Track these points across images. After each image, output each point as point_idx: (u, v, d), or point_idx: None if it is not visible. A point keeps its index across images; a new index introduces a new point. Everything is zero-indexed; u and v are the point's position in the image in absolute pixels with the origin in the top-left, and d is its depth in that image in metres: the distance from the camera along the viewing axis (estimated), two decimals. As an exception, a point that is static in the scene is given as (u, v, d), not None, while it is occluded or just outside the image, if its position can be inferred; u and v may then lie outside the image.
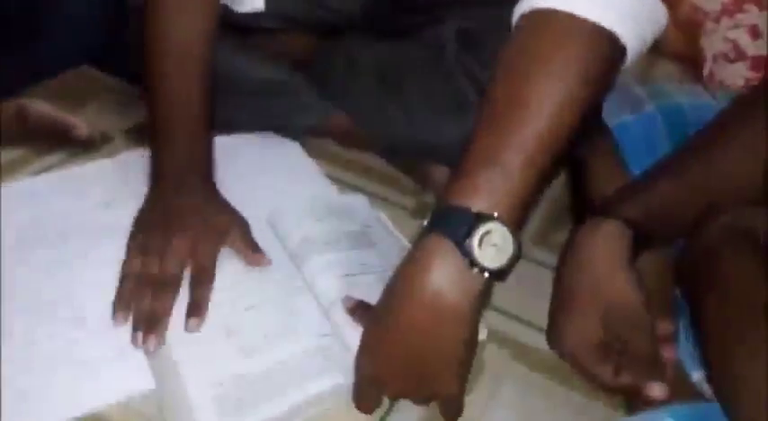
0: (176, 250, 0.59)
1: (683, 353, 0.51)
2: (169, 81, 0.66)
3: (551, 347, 0.52)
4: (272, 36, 0.86)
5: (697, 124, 0.61)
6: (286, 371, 0.52)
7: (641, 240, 0.52)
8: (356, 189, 0.79)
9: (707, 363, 0.46)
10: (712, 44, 1.12)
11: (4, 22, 0.70)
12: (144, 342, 0.54)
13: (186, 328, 0.55)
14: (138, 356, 0.54)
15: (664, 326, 0.52)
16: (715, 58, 1.11)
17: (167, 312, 0.56)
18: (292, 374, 0.52)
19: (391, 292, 0.47)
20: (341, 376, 0.52)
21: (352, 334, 0.55)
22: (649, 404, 0.47)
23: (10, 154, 0.77)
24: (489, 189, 0.44)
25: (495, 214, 0.44)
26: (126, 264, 0.60)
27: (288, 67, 0.83)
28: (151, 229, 0.62)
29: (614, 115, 0.67)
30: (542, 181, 0.47)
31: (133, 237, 0.62)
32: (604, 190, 0.61)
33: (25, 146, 0.78)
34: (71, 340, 0.55)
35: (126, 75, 0.87)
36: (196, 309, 0.57)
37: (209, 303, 0.57)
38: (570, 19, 0.47)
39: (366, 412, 0.51)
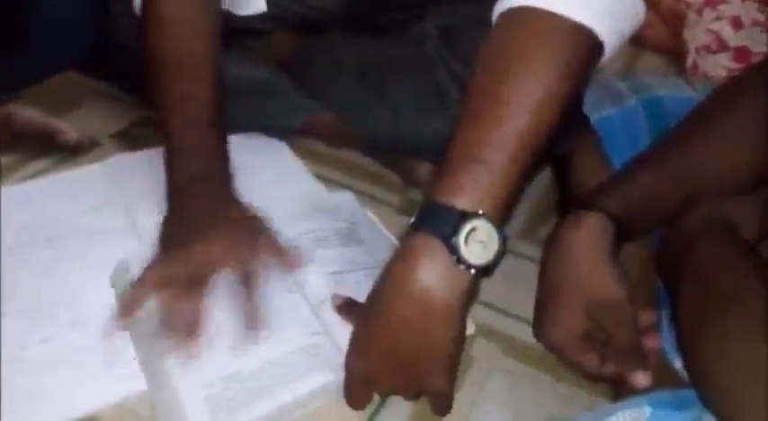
0: (218, 259, 0.56)
1: (666, 342, 0.52)
2: (178, 89, 0.63)
3: (538, 340, 0.54)
4: (254, 37, 0.87)
5: (677, 116, 0.62)
6: (276, 371, 0.52)
7: (623, 232, 0.53)
8: (343, 187, 0.80)
9: (682, 351, 0.47)
10: (695, 36, 1.13)
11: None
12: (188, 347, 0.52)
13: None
14: (131, 359, 0.55)
15: (646, 317, 0.53)
16: (698, 50, 1.12)
17: (202, 318, 0.54)
18: (283, 373, 0.52)
19: (380, 290, 0.48)
20: (331, 374, 0.53)
21: (342, 331, 0.55)
22: (634, 392, 0.48)
23: (-1, 160, 0.78)
24: (473, 187, 0.45)
25: (480, 211, 0.45)
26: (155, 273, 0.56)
27: (271, 67, 0.84)
28: (186, 242, 0.57)
29: (596, 109, 0.68)
30: (525, 176, 0.48)
31: (165, 249, 0.58)
32: (588, 184, 0.62)
33: (13, 152, 0.79)
34: (68, 343, 0.56)
35: (112, 78, 0.87)
36: (255, 320, 0.55)
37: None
38: (549, 16, 0.48)
39: (357, 409, 0.52)
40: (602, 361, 0.50)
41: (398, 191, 0.80)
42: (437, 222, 0.45)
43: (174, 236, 0.58)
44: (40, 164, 0.78)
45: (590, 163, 0.64)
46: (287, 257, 0.59)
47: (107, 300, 0.59)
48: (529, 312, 0.56)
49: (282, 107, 0.84)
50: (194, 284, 0.55)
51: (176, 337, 0.53)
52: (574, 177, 0.65)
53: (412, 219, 0.48)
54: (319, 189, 0.78)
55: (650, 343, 0.52)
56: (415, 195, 0.78)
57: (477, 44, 0.53)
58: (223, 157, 0.64)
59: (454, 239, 0.44)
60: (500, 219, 0.46)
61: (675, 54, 1.17)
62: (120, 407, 0.52)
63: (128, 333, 0.56)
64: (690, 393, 0.44)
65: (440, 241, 0.45)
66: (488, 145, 0.46)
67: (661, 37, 1.20)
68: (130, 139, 0.84)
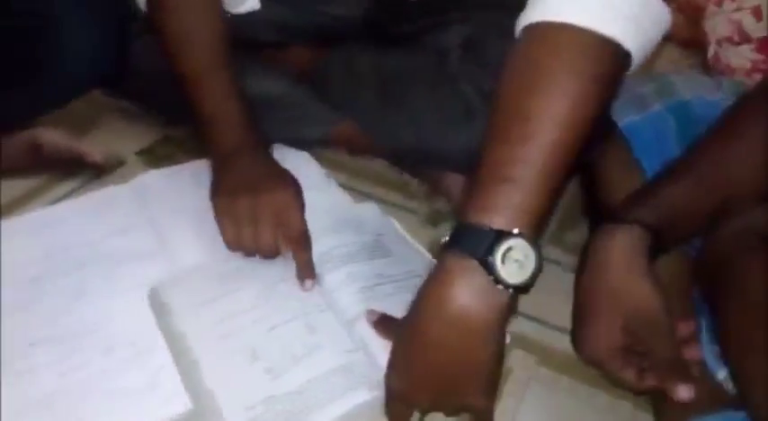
0: (267, 220, 0.62)
1: (707, 352, 0.51)
2: (194, 65, 0.69)
3: (577, 353, 0.53)
4: (274, 51, 0.87)
5: (705, 120, 0.62)
6: (314, 391, 0.53)
7: (658, 243, 0.52)
8: (367, 196, 0.80)
9: (731, 371, 0.47)
10: (715, 27, 1.11)
11: (8, 57, 0.70)
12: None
13: (304, 288, 0.61)
14: (172, 380, 0.55)
15: (684, 327, 0.52)
16: (719, 42, 1.10)
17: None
18: (321, 394, 0.53)
19: (417, 310, 0.48)
20: (368, 392, 0.53)
21: (378, 347, 0.56)
22: (676, 406, 0.48)
23: (27, 183, 0.79)
24: (506, 205, 0.45)
25: (515, 230, 0.45)
26: (223, 236, 0.63)
27: (291, 80, 0.84)
28: (237, 195, 0.63)
29: (621, 115, 0.67)
30: (557, 191, 0.47)
31: (218, 202, 0.64)
32: (617, 191, 0.61)
33: (41, 174, 0.80)
34: (102, 370, 0.56)
35: (133, 97, 0.87)
36: (307, 271, 0.62)
37: (235, 328, 0.58)
38: (573, 31, 0.47)
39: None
40: (641, 374, 0.49)
41: (424, 200, 0.79)
42: (472, 243, 0.45)
43: (235, 185, 0.64)
44: (68, 185, 0.79)
45: (618, 168, 0.64)
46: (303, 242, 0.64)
47: (139, 324, 0.60)
48: (561, 320, 0.56)
49: (305, 119, 0.84)
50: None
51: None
52: (602, 183, 0.64)
53: (445, 239, 0.48)
54: (344, 200, 0.78)
55: (691, 354, 0.51)
56: (441, 205, 0.78)
57: (501, 57, 0.53)
58: (253, 123, 0.70)
59: (491, 259, 0.44)
60: (535, 236, 0.46)
61: (695, 46, 1.15)
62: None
63: (169, 355, 0.57)
64: (738, 415, 0.43)
65: (476, 261, 0.44)
66: (518, 162, 0.45)
67: (680, 29, 1.18)
68: (155, 158, 0.85)
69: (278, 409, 0.51)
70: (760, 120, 0.54)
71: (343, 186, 0.81)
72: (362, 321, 0.58)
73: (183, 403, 0.54)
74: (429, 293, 0.47)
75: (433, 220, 0.77)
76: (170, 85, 0.71)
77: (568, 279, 0.56)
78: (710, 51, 1.11)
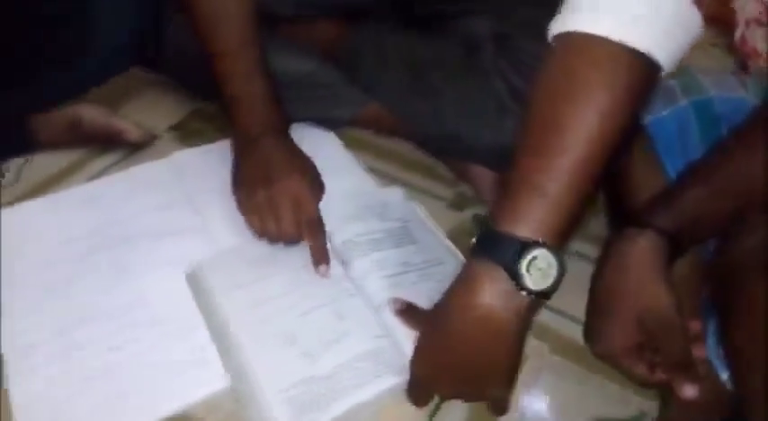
0: (285, 209, 0.66)
1: (712, 353, 0.55)
2: (222, 44, 0.71)
3: (590, 348, 0.57)
4: (299, 25, 0.87)
5: (727, 118, 0.63)
6: (346, 375, 0.57)
7: (675, 247, 0.55)
8: (392, 179, 0.82)
9: (734, 383, 0.50)
10: (744, 6, 1.09)
11: (51, 40, 0.73)
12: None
13: (319, 273, 0.65)
14: (213, 358, 0.60)
15: (693, 326, 0.56)
16: (747, 23, 1.08)
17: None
18: (351, 378, 0.57)
19: (445, 307, 0.52)
20: (394, 377, 0.58)
21: (403, 333, 0.60)
22: (682, 401, 0.52)
23: (67, 158, 0.82)
24: (534, 217, 0.47)
25: (541, 240, 0.47)
26: (247, 222, 0.68)
27: (319, 59, 0.85)
28: (255, 187, 0.67)
29: (648, 109, 0.68)
30: (585, 202, 0.50)
31: (239, 196, 0.69)
32: (639, 189, 0.63)
33: (80, 148, 0.83)
34: (150, 345, 0.61)
35: (166, 71, 0.89)
36: (321, 256, 0.66)
37: (270, 312, 0.62)
38: (605, 44, 0.48)
39: (419, 407, 0.56)
40: (651, 369, 0.53)
41: (449, 184, 0.82)
42: (499, 250, 0.48)
43: (252, 177, 0.68)
44: (106, 159, 0.82)
45: (641, 166, 0.65)
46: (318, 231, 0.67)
47: (181, 301, 0.65)
48: (578, 311, 0.59)
49: (333, 99, 0.85)
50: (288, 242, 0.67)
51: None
52: (625, 180, 0.66)
53: (473, 240, 0.51)
54: (369, 184, 0.80)
55: (697, 352, 0.55)
56: (466, 189, 0.81)
57: (535, 58, 0.54)
58: (277, 106, 0.73)
59: (516, 268, 0.47)
60: (560, 246, 0.48)
61: (723, 24, 1.13)
62: (206, 403, 0.58)
63: (208, 334, 0.61)
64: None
65: (501, 268, 0.48)
66: (549, 175, 0.48)
67: (708, 6, 1.16)
68: (188, 132, 0.88)
69: (312, 391, 0.56)
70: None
71: (368, 168, 0.83)
72: (388, 308, 0.62)
73: (223, 381, 0.59)
74: (457, 293, 0.50)
75: (458, 204, 0.80)
76: (202, 61, 0.73)
77: (584, 269, 0.58)
78: (738, 32, 1.09)
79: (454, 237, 0.74)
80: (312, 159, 0.75)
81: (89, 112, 0.79)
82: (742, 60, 1.06)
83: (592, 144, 0.48)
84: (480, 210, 0.78)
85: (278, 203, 0.66)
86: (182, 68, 0.86)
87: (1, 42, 0.70)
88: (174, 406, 0.57)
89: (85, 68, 0.77)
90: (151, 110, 0.90)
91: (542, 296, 0.49)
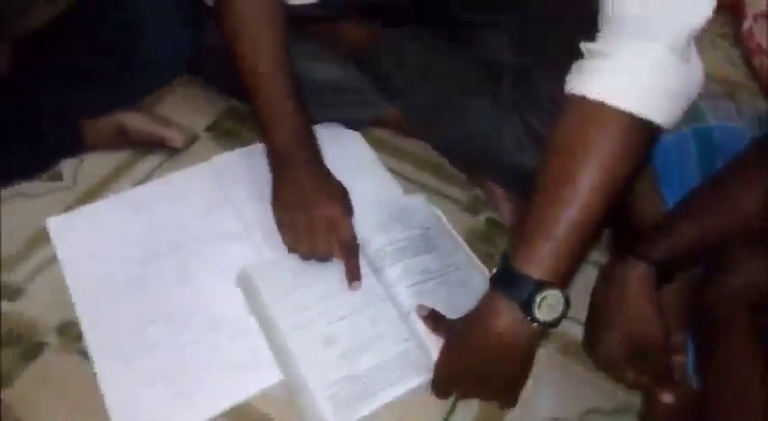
0: (321, 231, 0.73)
1: (690, 362, 0.65)
2: (255, 68, 0.75)
3: (588, 355, 0.67)
4: (321, 25, 0.91)
5: (724, 148, 0.71)
6: (379, 375, 0.68)
7: (666, 275, 0.64)
8: (409, 181, 0.90)
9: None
10: (755, 0, 1.12)
11: (102, 53, 0.78)
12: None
13: (351, 288, 0.73)
14: (266, 355, 0.70)
15: (676, 338, 0.66)
16: (756, 17, 1.12)
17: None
18: (384, 378, 0.68)
19: (469, 325, 0.62)
20: (419, 378, 0.68)
21: (429, 337, 0.70)
22: (662, 405, 0.62)
23: (116, 158, 0.90)
24: (548, 261, 0.57)
25: (552, 280, 0.56)
26: (283, 240, 0.76)
27: (345, 63, 0.89)
28: (293, 210, 0.74)
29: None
30: (592, 242, 0.59)
31: (278, 216, 0.76)
32: (640, 210, 0.72)
33: (124, 149, 0.90)
34: (212, 345, 0.71)
35: (201, 73, 0.94)
36: (355, 274, 0.74)
37: (312, 317, 0.71)
38: (613, 112, 0.56)
39: (440, 399, 0.68)
40: (638, 375, 0.64)
41: (464, 187, 0.89)
42: (516, 289, 0.57)
43: (290, 200, 0.75)
44: (150, 162, 0.90)
45: (643, 191, 0.73)
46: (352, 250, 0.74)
47: (237, 302, 0.74)
48: (580, 313, 0.69)
49: (357, 103, 0.91)
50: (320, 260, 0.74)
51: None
52: (628, 205, 0.74)
53: (493, 270, 0.61)
54: (394, 188, 0.87)
55: (678, 360, 0.65)
56: (480, 193, 0.88)
57: (551, 101, 0.61)
58: (309, 130, 0.78)
59: (530, 307, 0.56)
60: (567, 285, 0.58)
61: (735, 14, 1.16)
62: (264, 395, 0.69)
63: (260, 334, 0.71)
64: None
65: (516, 303, 0.57)
66: (561, 224, 0.56)
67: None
68: (222, 132, 0.94)
69: (351, 389, 0.67)
70: (755, 173, 0.63)
71: (388, 168, 0.90)
72: (414, 314, 0.72)
73: (275, 376, 0.69)
74: (480, 316, 0.60)
75: (472, 208, 0.88)
76: (233, 67, 0.77)
77: (587, 275, 0.67)
78: (745, 24, 1.13)
79: (469, 240, 0.83)
80: (339, 160, 0.80)
81: (133, 120, 0.86)
82: (746, 55, 1.11)
83: (599, 195, 0.57)
84: (494, 215, 0.86)
85: (315, 226, 0.73)
86: (215, 72, 0.91)
87: (65, 52, 0.76)
88: (235, 398, 0.68)
89: (136, 80, 0.83)
90: (186, 108, 0.96)
91: (549, 326, 0.58)
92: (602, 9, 0.58)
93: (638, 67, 0.55)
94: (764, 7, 1.10)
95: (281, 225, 0.76)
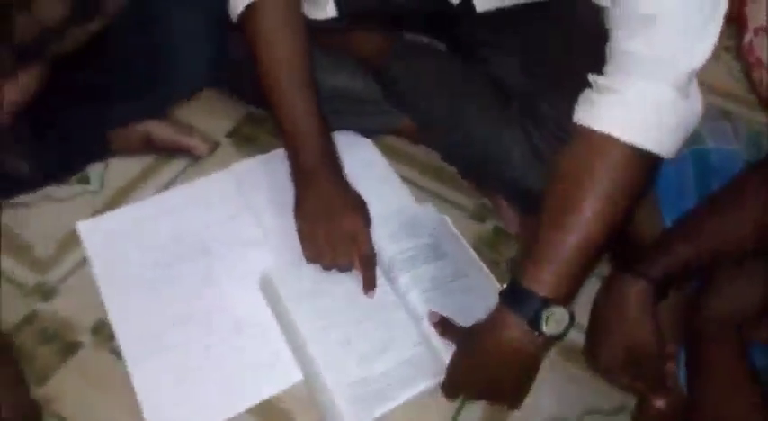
0: (342, 244, 0.77)
1: (681, 370, 0.70)
2: (281, 85, 0.78)
3: (588, 362, 0.72)
4: (335, 35, 0.93)
5: (721, 169, 0.75)
6: (393, 377, 0.73)
7: (661, 291, 0.69)
8: (417, 187, 0.94)
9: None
10: (755, 14, 1.15)
11: (131, 72, 0.83)
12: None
13: (367, 295, 0.78)
14: (287, 356, 0.75)
15: (670, 348, 0.71)
16: (756, 31, 1.15)
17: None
18: (397, 380, 0.73)
19: (480, 334, 0.67)
20: (430, 380, 0.73)
21: (440, 342, 0.75)
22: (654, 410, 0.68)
23: (141, 163, 0.94)
24: (553, 281, 0.62)
25: (557, 297, 0.61)
26: (304, 251, 0.79)
27: (358, 72, 0.93)
28: (316, 223, 0.78)
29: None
30: (595, 262, 0.63)
31: (301, 227, 0.79)
32: (640, 228, 0.76)
33: (149, 155, 0.94)
34: (236, 346, 0.76)
35: (226, 85, 0.97)
36: (371, 284, 0.78)
37: (331, 321, 0.76)
38: (617, 144, 0.60)
39: (449, 401, 0.73)
40: (634, 380, 0.69)
41: (471, 195, 0.94)
42: (525, 306, 0.62)
43: (313, 213, 0.78)
44: (174, 167, 0.94)
45: (643, 210, 0.78)
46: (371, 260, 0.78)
47: (259, 306, 0.79)
48: (581, 320, 0.73)
49: (373, 113, 0.94)
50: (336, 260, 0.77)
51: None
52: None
53: (504, 286, 0.66)
54: (405, 196, 0.92)
55: (670, 367, 0.71)
56: (487, 201, 0.93)
57: (557, 125, 0.65)
58: (332, 146, 0.81)
59: (537, 323, 0.61)
60: (570, 302, 0.63)
61: (739, 26, 1.18)
62: (287, 393, 0.74)
63: (282, 336, 0.77)
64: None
65: (524, 319, 0.62)
66: (566, 248, 0.61)
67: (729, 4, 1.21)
68: (242, 138, 0.98)
69: (368, 389, 0.72)
70: (752, 196, 0.67)
71: (401, 177, 0.94)
72: (426, 320, 0.77)
73: (297, 375, 0.74)
74: (490, 327, 0.65)
75: (480, 216, 0.92)
76: (256, 76, 0.79)
77: (591, 286, 0.72)
78: (746, 38, 1.16)
79: (477, 248, 0.87)
80: (352, 168, 0.84)
81: (159, 129, 0.90)
82: (747, 68, 1.15)
83: (602, 220, 0.61)
84: (500, 224, 0.91)
85: (336, 239, 0.77)
86: (238, 81, 0.94)
87: (96, 69, 0.80)
88: (258, 396, 0.73)
89: (162, 94, 0.87)
90: (206, 114, 1.00)
91: (556, 338, 0.64)
92: (611, 43, 0.63)
93: (643, 103, 0.60)
94: (763, 21, 1.13)
95: (303, 236, 0.79)
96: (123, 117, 0.87)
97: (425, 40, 0.97)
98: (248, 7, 0.76)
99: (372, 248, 0.79)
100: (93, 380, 0.75)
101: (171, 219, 0.87)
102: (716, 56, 1.23)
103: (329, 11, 0.87)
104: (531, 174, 0.79)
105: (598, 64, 0.63)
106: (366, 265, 0.78)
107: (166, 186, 0.92)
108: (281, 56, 0.78)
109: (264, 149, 0.95)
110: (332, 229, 0.77)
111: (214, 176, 0.91)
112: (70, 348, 0.78)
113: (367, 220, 0.80)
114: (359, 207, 0.80)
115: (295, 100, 0.79)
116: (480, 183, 0.92)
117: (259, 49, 0.78)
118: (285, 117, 0.79)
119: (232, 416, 0.72)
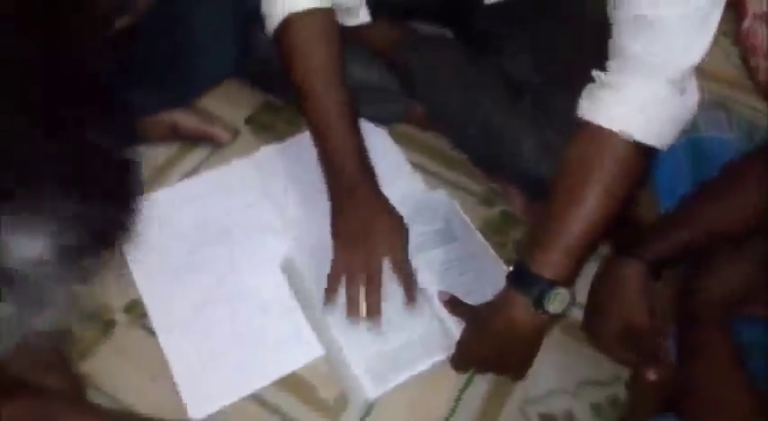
0: (377, 273, 0.76)
1: (672, 346, 0.76)
2: (319, 105, 0.79)
3: (586, 337, 0.78)
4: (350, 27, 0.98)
5: (716, 157, 0.80)
6: (406, 352, 0.79)
7: (656, 272, 0.74)
8: (428, 173, 0.99)
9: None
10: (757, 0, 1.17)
11: (160, 66, 0.87)
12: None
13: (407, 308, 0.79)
14: (310, 333, 0.82)
15: (664, 325, 0.77)
16: (755, 17, 1.18)
17: (378, 306, 0.77)
18: (411, 354, 0.79)
19: (488, 313, 0.73)
20: (441, 354, 0.79)
21: (450, 319, 0.81)
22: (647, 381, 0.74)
23: (166, 151, 0.99)
24: (559, 264, 0.68)
25: (561, 280, 0.67)
26: (336, 264, 0.78)
27: (379, 64, 0.97)
28: (355, 245, 0.77)
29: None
30: (595, 248, 0.69)
31: (339, 245, 0.78)
32: (637, 212, 0.82)
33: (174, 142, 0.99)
34: (262, 324, 0.82)
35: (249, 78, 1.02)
36: (411, 299, 0.79)
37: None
38: (618, 138, 0.66)
39: (459, 373, 0.79)
40: (627, 353, 0.75)
41: (481, 180, 0.99)
42: (531, 289, 0.68)
43: (348, 235, 0.78)
44: (197, 155, 0.99)
45: (641, 191, 0.83)
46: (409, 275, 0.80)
47: (282, 286, 0.85)
48: (579, 298, 0.79)
49: (384, 100, 0.99)
50: (372, 278, 0.76)
51: (356, 317, 0.77)
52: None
53: (511, 268, 0.71)
54: (418, 186, 0.96)
55: (662, 343, 0.76)
56: (496, 186, 0.98)
57: (566, 118, 0.70)
58: (367, 156, 0.81)
59: (542, 302, 0.67)
60: (573, 283, 0.68)
61: (738, 11, 1.20)
62: (309, 368, 0.80)
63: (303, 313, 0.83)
64: None
65: (530, 299, 0.68)
66: (571, 235, 0.67)
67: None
68: (260, 125, 1.03)
69: (385, 362, 0.78)
70: (754, 181, 0.72)
71: (410, 161, 0.99)
72: (436, 299, 0.83)
73: (319, 350, 0.80)
74: (498, 305, 0.72)
75: (488, 201, 0.97)
76: (283, 75, 0.80)
77: (590, 266, 0.77)
78: (745, 23, 1.19)
79: (484, 231, 0.93)
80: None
81: (183, 118, 0.95)
82: (744, 54, 1.18)
83: (603, 211, 0.67)
84: (508, 208, 0.96)
85: (373, 269, 0.76)
86: (265, 77, 0.98)
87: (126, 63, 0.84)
88: (283, 370, 0.79)
89: (189, 86, 0.91)
90: (226, 101, 1.04)
91: (558, 316, 0.69)
92: (612, 40, 0.67)
93: (642, 99, 0.65)
94: (765, 7, 1.16)
95: (341, 259, 0.78)
96: (151, 107, 0.92)
97: (437, 30, 1.01)
98: (285, 21, 0.78)
99: (410, 268, 0.79)
100: (129, 355, 0.82)
101: (195, 206, 0.92)
102: (714, 40, 1.27)
103: (362, 16, 0.90)
104: (542, 166, 0.83)
105: (606, 61, 0.68)
106: (406, 284, 0.79)
107: (189, 174, 0.97)
108: (317, 65, 0.78)
109: (281, 136, 1.00)
110: (369, 253, 0.76)
111: (235, 164, 0.96)
112: (106, 326, 0.84)
113: (406, 239, 0.79)
114: (397, 227, 0.79)
115: (337, 119, 0.78)
116: (491, 172, 0.96)
117: (295, 60, 0.79)
118: (324, 134, 0.79)
119: (259, 388, 0.79)
